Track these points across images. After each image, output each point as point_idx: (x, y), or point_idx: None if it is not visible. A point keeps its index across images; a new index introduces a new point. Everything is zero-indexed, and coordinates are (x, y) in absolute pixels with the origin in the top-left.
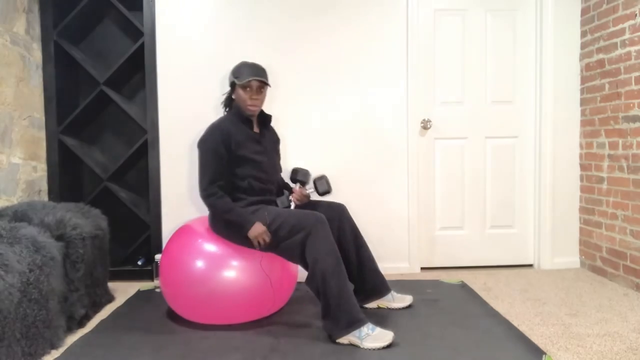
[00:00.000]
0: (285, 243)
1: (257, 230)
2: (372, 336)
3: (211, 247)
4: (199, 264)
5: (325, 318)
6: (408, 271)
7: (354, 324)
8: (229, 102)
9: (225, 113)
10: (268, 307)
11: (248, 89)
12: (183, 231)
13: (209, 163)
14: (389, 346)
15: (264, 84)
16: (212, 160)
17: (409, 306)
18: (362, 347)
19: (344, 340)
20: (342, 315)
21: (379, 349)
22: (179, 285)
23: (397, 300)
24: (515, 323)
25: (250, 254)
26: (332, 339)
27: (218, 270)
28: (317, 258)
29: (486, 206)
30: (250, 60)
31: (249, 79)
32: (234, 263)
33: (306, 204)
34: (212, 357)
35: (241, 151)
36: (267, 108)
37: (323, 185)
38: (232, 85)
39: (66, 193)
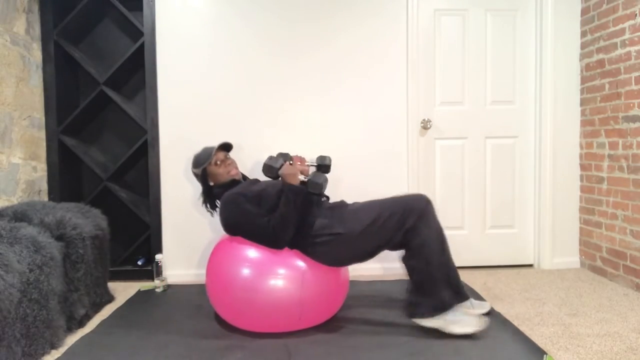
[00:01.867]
0: (400, 233)
1: (287, 170)
2: (460, 321)
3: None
4: (245, 271)
5: (412, 296)
6: None
7: (442, 309)
8: (210, 194)
9: (209, 207)
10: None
11: (218, 162)
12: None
13: (251, 215)
14: (475, 332)
15: (226, 150)
16: (251, 210)
17: (488, 313)
18: (447, 331)
19: (428, 322)
20: (434, 299)
21: (466, 334)
22: (223, 291)
23: (476, 307)
24: (515, 323)
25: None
26: (414, 318)
27: (263, 279)
28: (424, 242)
29: (486, 206)
30: (250, 60)
31: (214, 154)
32: (281, 271)
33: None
34: (212, 357)
35: (259, 192)
36: (269, 108)
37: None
38: (203, 174)
39: (66, 193)
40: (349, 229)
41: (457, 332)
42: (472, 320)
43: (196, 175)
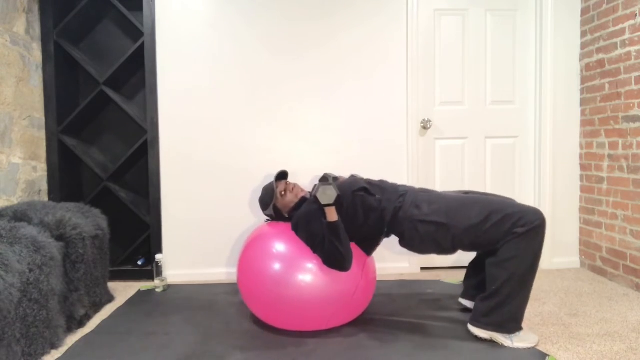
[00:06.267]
0: (505, 239)
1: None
2: (519, 337)
3: (288, 250)
4: (277, 266)
5: (483, 303)
6: (408, 271)
7: (507, 327)
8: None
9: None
10: (344, 316)
11: (283, 193)
12: (261, 234)
13: (316, 241)
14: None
15: (284, 178)
16: (315, 234)
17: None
18: (505, 345)
19: (484, 333)
20: (503, 315)
21: (524, 348)
22: (255, 288)
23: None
24: None
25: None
26: (472, 324)
27: (296, 275)
28: (517, 256)
29: None
30: (250, 59)
31: (276, 188)
32: (309, 266)
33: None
34: (213, 357)
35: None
36: (269, 108)
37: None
38: (276, 211)
39: (66, 193)
40: (453, 221)
41: (517, 346)
42: (530, 337)
43: (270, 216)
